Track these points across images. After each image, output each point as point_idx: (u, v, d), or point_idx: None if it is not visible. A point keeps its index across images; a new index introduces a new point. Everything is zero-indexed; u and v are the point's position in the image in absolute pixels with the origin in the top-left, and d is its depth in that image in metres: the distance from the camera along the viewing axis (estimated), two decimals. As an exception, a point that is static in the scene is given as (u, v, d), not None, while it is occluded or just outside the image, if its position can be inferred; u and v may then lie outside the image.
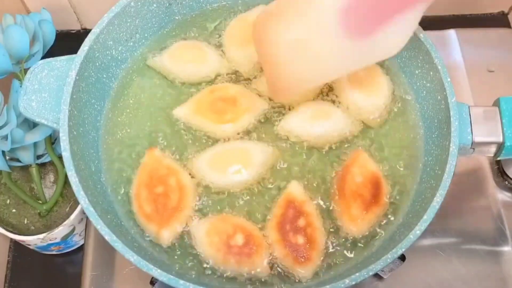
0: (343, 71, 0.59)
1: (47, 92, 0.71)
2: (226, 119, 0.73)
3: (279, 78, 0.58)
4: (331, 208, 0.69)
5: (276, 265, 0.66)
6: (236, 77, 0.78)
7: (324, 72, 0.58)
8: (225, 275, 0.66)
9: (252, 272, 0.65)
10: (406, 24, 0.56)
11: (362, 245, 0.68)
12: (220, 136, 0.73)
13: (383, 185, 0.70)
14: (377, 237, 0.68)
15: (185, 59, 0.78)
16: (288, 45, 0.54)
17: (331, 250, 0.67)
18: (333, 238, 0.68)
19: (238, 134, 0.73)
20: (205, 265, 0.66)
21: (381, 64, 0.77)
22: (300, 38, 0.54)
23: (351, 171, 0.69)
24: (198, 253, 0.67)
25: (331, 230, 0.68)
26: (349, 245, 0.68)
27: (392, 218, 0.69)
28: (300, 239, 0.66)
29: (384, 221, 0.69)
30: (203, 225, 0.67)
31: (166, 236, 0.67)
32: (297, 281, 0.65)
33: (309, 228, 0.66)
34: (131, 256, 0.61)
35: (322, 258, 0.67)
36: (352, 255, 0.67)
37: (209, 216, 0.69)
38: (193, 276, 0.66)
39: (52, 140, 0.88)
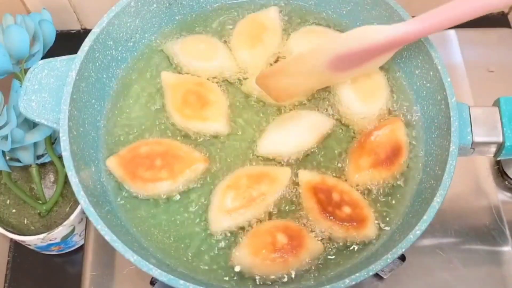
0: (330, 84, 0.75)
1: (47, 92, 0.71)
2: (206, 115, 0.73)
3: (282, 95, 0.73)
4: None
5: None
6: (241, 76, 0.78)
7: (314, 87, 0.75)
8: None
9: (310, 258, 0.66)
10: (386, 55, 0.71)
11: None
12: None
13: (402, 154, 0.71)
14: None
15: (196, 52, 0.78)
16: (288, 84, 0.71)
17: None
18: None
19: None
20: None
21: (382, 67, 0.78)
22: (297, 82, 0.71)
23: (381, 130, 0.71)
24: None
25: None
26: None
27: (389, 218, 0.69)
28: (347, 209, 0.67)
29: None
30: (243, 251, 0.66)
31: (109, 161, 0.71)
32: (367, 243, 0.67)
33: (345, 195, 0.68)
34: (131, 256, 0.61)
35: (373, 210, 0.68)
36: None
37: (241, 240, 0.68)
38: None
39: (52, 140, 0.88)
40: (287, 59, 0.74)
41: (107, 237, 0.62)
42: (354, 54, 0.68)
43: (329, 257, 0.67)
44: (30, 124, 0.85)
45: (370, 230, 0.67)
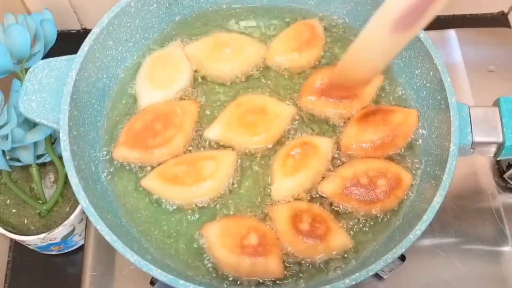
0: (400, 49, 0.67)
1: (47, 92, 0.71)
2: (259, 130, 0.72)
3: (350, 76, 0.69)
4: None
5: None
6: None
7: (387, 58, 0.67)
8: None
9: (266, 275, 0.65)
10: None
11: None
12: (255, 147, 0.73)
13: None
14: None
15: (220, 54, 0.78)
16: (363, 68, 0.68)
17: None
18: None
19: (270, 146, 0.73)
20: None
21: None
22: (371, 62, 0.66)
23: (394, 112, 0.73)
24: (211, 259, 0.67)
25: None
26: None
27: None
28: (320, 229, 0.67)
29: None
30: (215, 226, 0.67)
31: (117, 153, 0.71)
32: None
33: (315, 220, 0.67)
34: (131, 256, 0.61)
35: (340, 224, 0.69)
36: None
37: (221, 218, 0.69)
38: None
39: (52, 140, 0.88)
40: (353, 43, 0.66)
41: (107, 237, 0.62)
42: (412, 12, 0.61)
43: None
44: (30, 124, 0.85)
45: (341, 241, 0.67)
